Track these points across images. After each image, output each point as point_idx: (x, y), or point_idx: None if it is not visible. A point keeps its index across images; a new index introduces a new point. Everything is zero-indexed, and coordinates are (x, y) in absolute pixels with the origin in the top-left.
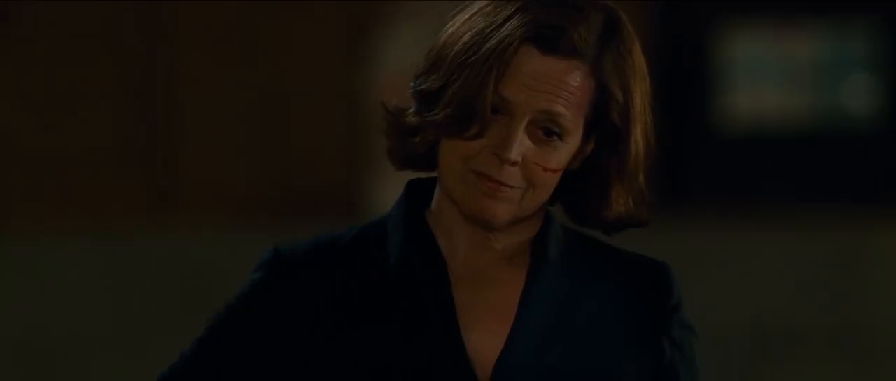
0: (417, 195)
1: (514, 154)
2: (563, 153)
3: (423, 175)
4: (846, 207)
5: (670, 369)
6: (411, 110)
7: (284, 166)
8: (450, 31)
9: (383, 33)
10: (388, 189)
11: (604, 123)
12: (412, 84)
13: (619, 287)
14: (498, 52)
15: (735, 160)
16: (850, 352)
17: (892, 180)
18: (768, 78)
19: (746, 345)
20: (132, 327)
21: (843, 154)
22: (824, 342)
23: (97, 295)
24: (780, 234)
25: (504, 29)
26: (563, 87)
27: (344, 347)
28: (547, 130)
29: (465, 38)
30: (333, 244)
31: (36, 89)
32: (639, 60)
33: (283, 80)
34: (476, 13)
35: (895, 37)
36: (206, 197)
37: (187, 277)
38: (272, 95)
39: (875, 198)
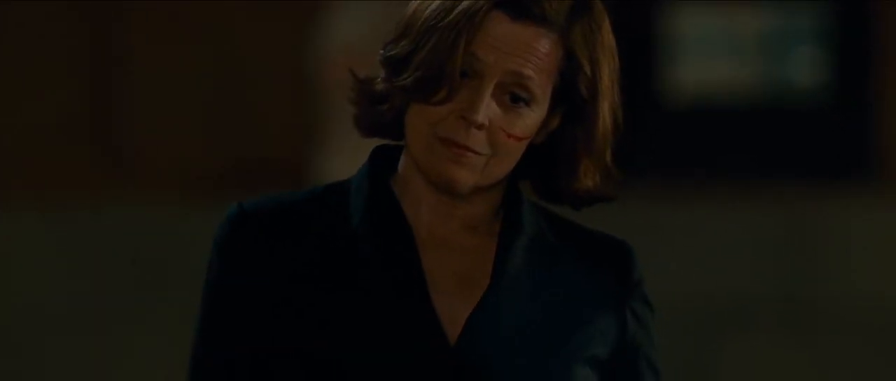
0: (382, 162)
1: (481, 116)
2: (528, 120)
3: (390, 143)
4: (794, 180)
5: (633, 341)
6: (380, 78)
7: (236, 140)
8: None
9: (335, 8)
10: (338, 162)
11: (571, 94)
12: (382, 51)
13: (586, 261)
14: (469, 16)
15: (682, 133)
16: (799, 325)
17: (840, 153)
18: (715, 51)
19: (695, 319)
20: (87, 302)
21: (791, 127)
22: (773, 314)
23: (51, 271)
24: (728, 207)
25: None
26: (532, 51)
27: (312, 307)
28: (514, 95)
29: (435, 4)
30: (295, 205)
31: None
32: (608, 37)
33: (234, 54)
34: None
35: (843, 9)
36: (159, 172)
37: (141, 250)
38: (223, 70)
39: (823, 171)
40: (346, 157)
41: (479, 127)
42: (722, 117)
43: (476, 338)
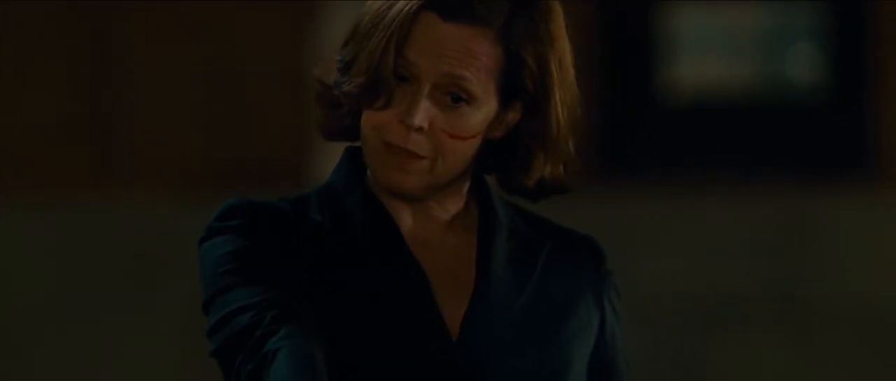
0: (360, 163)
1: (418, 119)
2: (472, 120)
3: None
4: (791, 177)
5: (612, 332)
6: (335, 82)
7: (235, 139)
8: (368, 2)
9: (333, 7)
10: (336, 162)
11: (520, 90)
12: (337, 56)
13: (562, 254)
14: (399, 20)
15: (678, 130)
16: (795, 323)
17: (836, 151)
18: (712, 48)
19: (690, 316)
20: (86, 299)
21: (789, 125)
22: (769, 312)
23: (50, 269)
24: (724, 204)
25: None
26: (466, 52)
27: (316, 300)
28: (454, 95)
29: (374, 7)
30: (283, 207)
31: None
32: (556, 28)
33: (233, 54)
34: None
35: (840, 7)
36: (158, 170)
37: (135, 249)
38: (220, 68)
39: (819, 168)
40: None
41: (418, 130)
42: (719, 115)
43: (474, 334)
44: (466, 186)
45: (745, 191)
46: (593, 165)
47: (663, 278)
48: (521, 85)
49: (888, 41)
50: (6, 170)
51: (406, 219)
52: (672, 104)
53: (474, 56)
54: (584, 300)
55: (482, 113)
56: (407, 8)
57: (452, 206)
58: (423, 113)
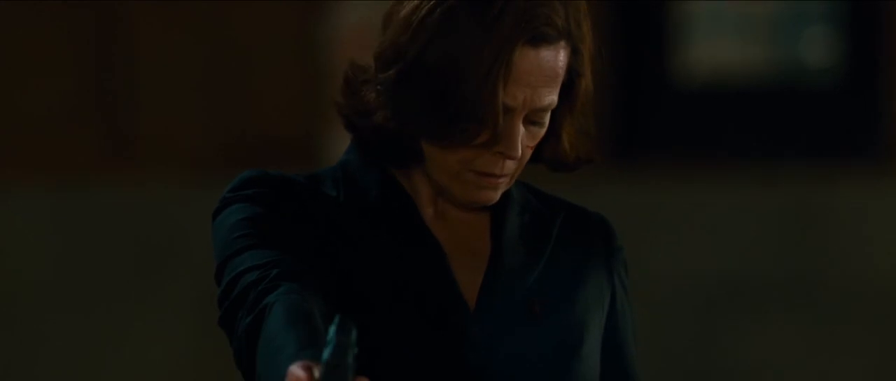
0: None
1: (521, 150)
2: (545, 128)
3: None
4: (804, 161)
5: (621, 306)
6: (382, 111)
7: (240, 120)
8: (420, 22)
9: None
10: (346, 142)
11: (570, 76)
12: (381, 79)
13: (573, 227)
14: (502, 61)
15: (693, 114)
16: (809, 306)
17: (850, 135)
18: (726, 31)
19: (705, 299)
20: (87, 281)
21: (803, 109)
22: (783, 296)
23: (51, 250)
24: (738, 188)
25: (500, 28)
26: (554, 75)
27: (334, 267)
28: (535, 119)
29: (451, 38)
30: (299, 181)
31: None
32: (584, 6)
33: (239, 34)
34: (451, 7)
35: None
36: (164, 152)
37: (143, 230)
38: (227, 50)
39: (833, 152)
40: None
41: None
42: (734, 99)
43: (491, 303)
44: None
45: (759, 174)
46: (607, 149)
47: (676, 261)
48: (573, 72)
49: None
50: (11, 152)
51: (422, 196)
52: (686, 87)
53: (558, 74)
54: (596, 273)
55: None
56: (508, 47)
57: None
58: (520, 142)
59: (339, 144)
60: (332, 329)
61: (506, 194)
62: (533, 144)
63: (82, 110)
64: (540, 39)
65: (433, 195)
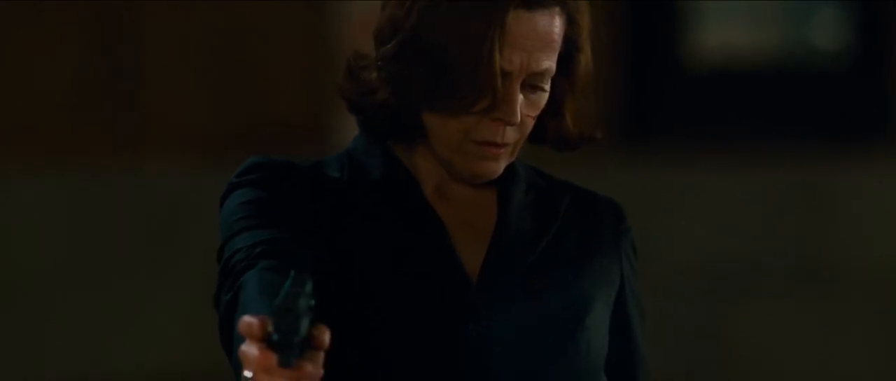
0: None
1: (520, 116)
2: (545, 97)
3: None
4: (813, 144)
5: (629, 285)
6: (383, 88)
7: (249, 104)
8: None
9: None
10: (355, 128)
11: (568, 48)
12: (381, 54)
13: (580, 207)
14: (496, 23)
15: (703, 97)
16: (817, 289)
17: (859, 118)
18: (737, 14)
19: (713, 281)
20: (96, 264)
21: (812, 91)
22: (791, 279)
23: (61, 233)
24: (747, 170)
25: None
26: (550, 40)
27: (336, 246)
28: (534, 84)
29: (442, 6)
30: (304, 165)
31: None
32: None
33: (249, 17)
34: None
35: None
36: (170, 135)
37: (152, 214)
38: (236, 32)
39: (842, 135)
40: None
41: (517, 124)
42: (743, 82)
43: (493, 278)
44: None
45: (769, 157)
46: (617, 132)
47: (685, 244)
48: (571, 44)
49: None
50: (20, 135)
51: (426, 175)
52: (696, 70)
53: (554, 40)
54: (604, 252)
55: (549, 85)
56: (502, 7)
57: None
58: (519, 108)
59: (349, 130)
60: (288, 283)
61: (512, 172)
62: (533, 113)
63: (93, 94)
64: (534, 3)
65: (437, 173)
